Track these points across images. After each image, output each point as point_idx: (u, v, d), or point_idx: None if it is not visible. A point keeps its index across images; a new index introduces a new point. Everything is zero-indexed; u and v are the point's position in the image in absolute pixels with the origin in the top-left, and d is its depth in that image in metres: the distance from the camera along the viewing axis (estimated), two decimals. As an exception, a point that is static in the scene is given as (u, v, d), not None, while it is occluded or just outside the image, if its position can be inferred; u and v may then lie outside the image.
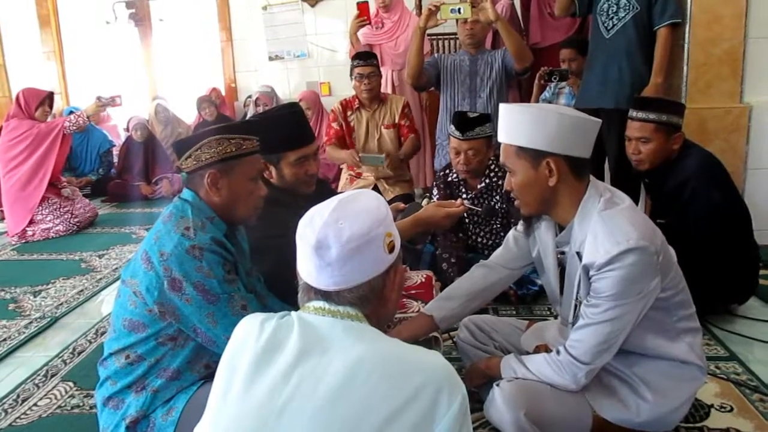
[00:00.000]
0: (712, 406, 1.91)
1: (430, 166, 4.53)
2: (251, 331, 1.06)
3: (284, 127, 2.11)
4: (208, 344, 1.57)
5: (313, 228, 1.04)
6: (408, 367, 0.97)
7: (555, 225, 1.67)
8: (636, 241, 1.44)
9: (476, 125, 2.78)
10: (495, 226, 2.94)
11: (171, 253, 1.53)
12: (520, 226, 1.83)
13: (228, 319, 1.54)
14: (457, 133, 2.79)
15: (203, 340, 1.57)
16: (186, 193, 1.67)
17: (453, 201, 2.07)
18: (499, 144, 1.65)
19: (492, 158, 2.87)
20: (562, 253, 1.65)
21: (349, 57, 4.32)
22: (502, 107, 1.61)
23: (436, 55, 4.02)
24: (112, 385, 1.63)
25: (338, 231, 1.02)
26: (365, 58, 3.88)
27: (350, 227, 1.02)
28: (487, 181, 2.87)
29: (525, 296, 2.74)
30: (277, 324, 1.05)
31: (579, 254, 1.54)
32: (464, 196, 2.93)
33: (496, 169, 2.86)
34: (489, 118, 2.87)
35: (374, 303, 1.06)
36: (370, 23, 4.40)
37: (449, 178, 2.98)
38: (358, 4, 4.29)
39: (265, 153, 2.09)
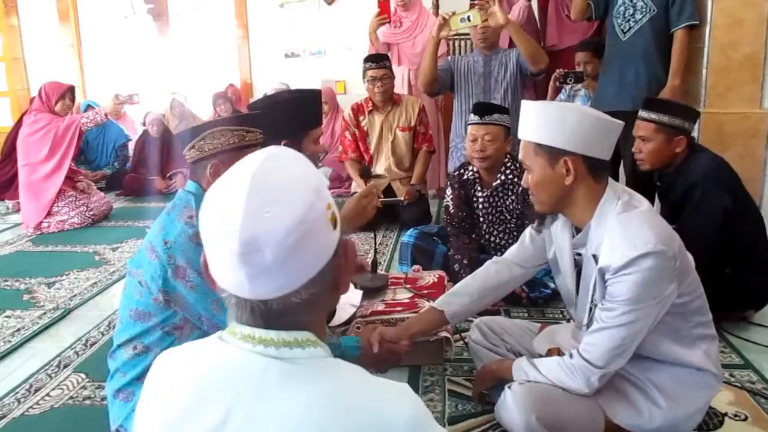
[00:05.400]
0: (726, 414, 1.89)
1: (444, 168, 4.52)
2: (162, 390, 0.85)
3: (308, 105, 2.22)
4: (213, 331, 1.58)
5: (231, 226, 0.74)
6: (365, 428, 0.75)
7: (571, 226, 1.65)
8: (654, 245, 1.42)
9: (495, 112, 2.81)
10: (509, 226, 2.93)
11: (175, 241, 1.55)
12: (535, 224, 1.82)
13: None
14: (476, 118, 2.81)
15: (209, 327, 1.58)
16: (190, 185, 1.69)
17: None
18: (516, 142, 1.64)
19: (508, 156, 2.86)
20: (579, 254, 1.64)
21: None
22: (524, 103, 1.60)
23: (449, 58, 4.01)
24: (121, 377, 1.65)
25: (268, 225, 0.74)
26: (377, 61, 3.88)
27: (283, 215, 0.75)
28: (503, 177, 2.86)
29: (537, 299, 2.72)
30: (194, 378, 0.82)
31: (595, 257, 1.52)
32: (479, 194, 2.92)
33: (512, 167, 2.85)
34: (508, 111, 2.89)
35: (324, 298, 0.82)
36: (390, 21, 4.39)
37: (464, 176, 2.97)
38: (379, 1, 4.29)
39: (290, 133, 2.13)
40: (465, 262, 2.81)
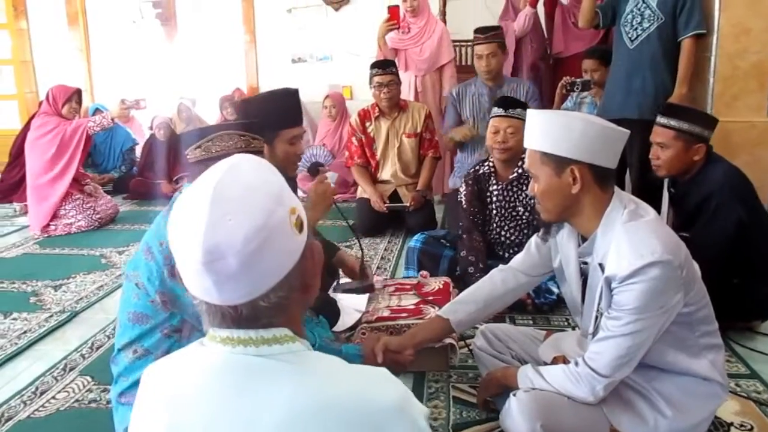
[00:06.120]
0: (731, 424, 1.88)
1: (449, 174, 4.53)
2: (150, 404, 0.88)
3: (284, 105, 2.18)
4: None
5: (194, 235, 0.77)
6: (350, 414, 0.77)
7: (577, 235, 1.65)
8: (660, 254, 1.42)
9: (518, 106, 2.88)
10: (520, 223, 2.94)
11: (170, 242, 1.56)
12: (540, 232, 1.82)
13: None
14: (500, 111, 2.87)
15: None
16: (188, 186, 1.70)
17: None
18: None
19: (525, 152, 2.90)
20: (585, 263, 1.64)
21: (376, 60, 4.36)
22: (529, 113, 1.61)
23: (453, 91, 4.04)
24: (125, 381, 1.66)
25: (230, 233, 0.76)
26: (384, 67, 3.91)
27: (244, 222, 0.77)
28: (519, 171, 2.89)
29: (542, 305, 2.72)
30: (179, 388, 0.84)
31: (601, 266, 1.52)
32: (493, 187, 2.95)
33: None
34: (527, 107, 2.93)
35: (295, 300, 0.84)
36: (398, 27, 4.42)
37: (480, 171, 3.00)
38: (389, 7, 4.34)
39: (262, 131, 2.13)
40: (481, 266, 2.82)
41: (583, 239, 1.62)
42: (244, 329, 0.81)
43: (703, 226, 2.39)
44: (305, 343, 0.85)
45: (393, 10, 4.33)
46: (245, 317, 0.81)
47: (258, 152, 1.71)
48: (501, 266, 1.95)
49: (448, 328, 1.90)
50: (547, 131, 1.54)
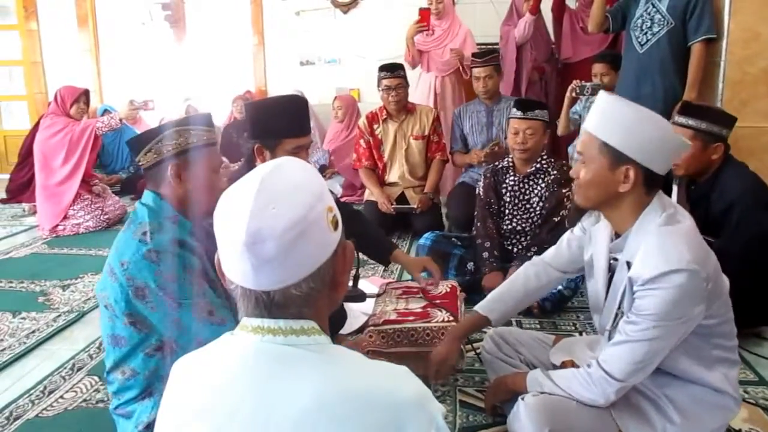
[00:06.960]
0: (739, 431, 1.87)
1: (457, 177, 4.53)
2: (178, 393, 0.91)
3: (288, 114, 2.14)
4: (181, 352, 1.54)
5: (239, 220, 0.83)
6: (371, 405, 0.81)
7: (611, 230, 1.62)
8: (687, 262, 1.39)
9: (536, 108, 2.97)
10: (533, 215, 2.98)
11: (130, 261, 1.53)
12: (576, 229, 1.83)
13: (194, 327, 1.51)
14: (519, 113, 2.96)
15: (176, 347, 1.55)
16: (146, 196, 1.65)
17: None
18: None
19: (544, 149, 3.01)
20: (615, 259, 1.61)
21: (405, 61, 4.44)
22: (601, 96, 1.55)
23: (455, 111, 4.15)
24: (120, 399, 1.66)
25: (272, 220, 0.82)
26: (392, 70, 3.94)
27: (285, 212, 0.82)
28: (537, 166, 2.98)
29: (545, 303, 2.70)
30: (207, 375, 0.88)
31: (629, 264, 1.50)
32: (509, 180, 3.04)
33: (547, 157, 2.99)
34: (547, 106, 3.08)
35: (324, 294, 0.89)
36: (428, 29, 4.47)
37: (499, 166, 3.10)
38: (420, 10, 4.41)
39: (265, 137, 2.10)
40: (495, 253, 2.95)
41: (617, 235, 1.60)
42: (274, 318, 0.86)
43: (726, 238, 2.35)
44: (329, 338, 0.89)
45: (424, 13, 4.39)
46: (276, 303, 0.85)
47: (212, 144, 1.67)
48: (534, 260, 1.96)
49: (485, 322, 1.93)
50: (616, 123, 1.48)
